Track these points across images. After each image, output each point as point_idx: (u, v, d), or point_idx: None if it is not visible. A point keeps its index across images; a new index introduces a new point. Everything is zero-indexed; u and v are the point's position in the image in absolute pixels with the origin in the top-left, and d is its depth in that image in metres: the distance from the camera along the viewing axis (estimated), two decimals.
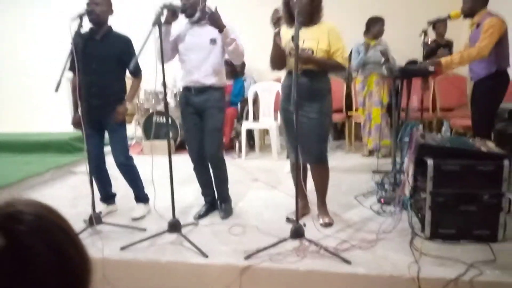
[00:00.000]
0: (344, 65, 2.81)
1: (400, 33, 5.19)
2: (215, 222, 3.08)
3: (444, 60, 3.32)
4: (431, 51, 5.11)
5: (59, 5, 6.48)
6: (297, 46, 2.35)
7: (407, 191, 2.99)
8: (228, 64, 5.55)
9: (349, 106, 5.57)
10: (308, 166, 3.05)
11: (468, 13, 3.40)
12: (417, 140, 2.77)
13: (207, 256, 2.50)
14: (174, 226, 2.70)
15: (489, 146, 2.73)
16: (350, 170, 4.41)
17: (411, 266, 2.30)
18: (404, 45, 5.11)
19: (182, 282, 2.49)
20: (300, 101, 2.52)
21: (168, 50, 2.92)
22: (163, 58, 2.67)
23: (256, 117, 5.48)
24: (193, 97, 3.02)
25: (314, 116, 2.79)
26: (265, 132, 5.82)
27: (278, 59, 2.81)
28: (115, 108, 3.06)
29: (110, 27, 3.09)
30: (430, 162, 2.57)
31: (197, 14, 2.92)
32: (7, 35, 6.99)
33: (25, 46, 6.87)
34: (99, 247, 2.60)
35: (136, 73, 3.17)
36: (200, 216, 3.15)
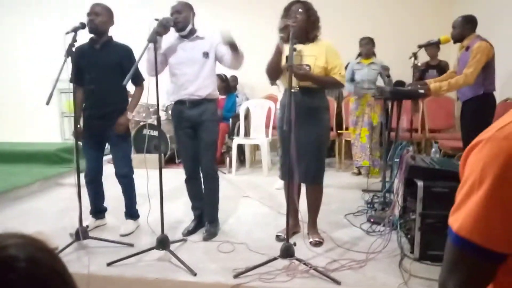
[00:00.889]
0: (341, 82, 2.83)
1: (389, 54, 5.29)
2: None
3: (433, 86, 3.41)
4: (422, 73, 5.21)
5: (53, 17, 6.49)
6: (291, 67, 2.37)
7: (397, 211, 3.00)
8: (222, 79, 5.60)
9: (339, 125, 5.62)
10: (302, 184, 3.04)
11: (458, 38, 3.49)
12: (407, 161, 2.79)
13: (195, 274, 2.46)
14: (163, 243, 2.66)
15: None
16: (340, 188, 4.42)
17: None
18: (393, 66, 5.21)
19: None
20: (298, 119, 2.54)
21: (159, 63, 2.93)
22: (157, 73, 2.67)
23: (247, 133, 5.49)
24: (188, 111, 3.01)
25: (311, 136, 2.79)
26: (256, 148, 5.83)
27: (274, 66, 2.76)
28: (116, 119, 3.03)
29: (110, 37, 3.08)
30: (420, 183, 2.59)
31: (188, 28, 2.95)
32: None
33: (16, 56, 6.83)
34: (85, 263, 2.55)
35: (138, 82, 3.12)
36: (189, 232, 3.12)
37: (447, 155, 4.67)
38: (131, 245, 2.89)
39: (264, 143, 5.15)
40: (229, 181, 4.74)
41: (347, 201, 3.90)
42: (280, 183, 3.80)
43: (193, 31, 3.00)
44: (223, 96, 5.69)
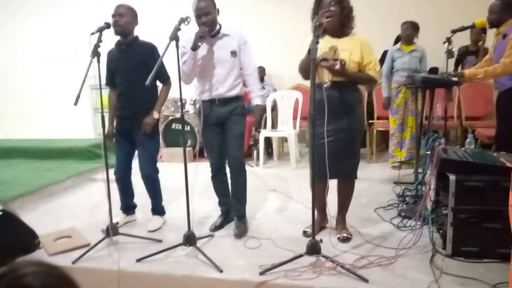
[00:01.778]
0: (376, 78, 2.75)
1: (426, 39, 5.04)
2: (231, 234, 3.04)
3: (468, 72, 3.23)
4: (460, 57, 4.97)
5: (83, 15, 6.62)
6: (313, 60, 2.29)
7: (429, 205, 2.90)
8: None
9: (370, 114, 5.47)
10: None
11: (495, 23, 3.28)
12: (439, 154, 2.68)
13: (221, 271, 2.47)
14: (189, 239, 2.68)
15: None
16: (371, 181, 4.32)
17: (431, 286, 2.22)
18: (429, 51, 4.97)
19: None
20: (331, 115, 2.50)
21: (196, 74, 2.95)
22: (180, 72, 2.68)
23: (274, 125, 5.44)
24: (217, 108, 3.00)
25: (345, 132, 2.72)
26: (284, 140, 5.78)
27: (306, 67, 2.63)
28: (143, 119, 3.06)
29: (136, 37, 3.10)
30: (452, 177, 2.49)
31: (216, 28, 2.92)
32: (34, 42, 7.18)
33: (52, 54, 7.03)
34: (115, 259, 2.62)
35: (163, 80, 3.13)
36: (216, 227, 3.13)
37: (483, 144, 4.47)
38: (160, 241, 2.94)
39: (292, 135, 5.09)
40: (256, 175, 4.72)
41: (378, 195, 3.80)
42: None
43: (219, 29, 2.95)
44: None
